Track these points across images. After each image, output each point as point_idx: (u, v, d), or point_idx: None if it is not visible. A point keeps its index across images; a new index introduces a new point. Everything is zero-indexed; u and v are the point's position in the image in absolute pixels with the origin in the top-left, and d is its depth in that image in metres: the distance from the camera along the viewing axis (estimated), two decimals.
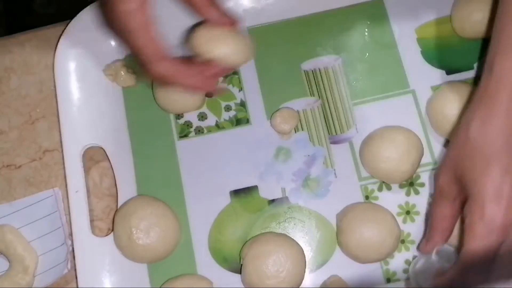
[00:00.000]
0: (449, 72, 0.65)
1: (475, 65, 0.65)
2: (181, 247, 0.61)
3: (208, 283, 0.59)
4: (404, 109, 0.64)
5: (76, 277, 0.60)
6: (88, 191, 0.63)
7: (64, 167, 0.63)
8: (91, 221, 0.62)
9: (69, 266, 0.61)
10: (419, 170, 0.62)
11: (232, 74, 0.64)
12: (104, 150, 0.64)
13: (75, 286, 0.61)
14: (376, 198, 0.62)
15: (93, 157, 0.65)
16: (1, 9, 0.90)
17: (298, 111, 0.65)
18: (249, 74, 0.66)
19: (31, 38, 0.69)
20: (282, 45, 0.66)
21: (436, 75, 0.65)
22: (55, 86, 0.66)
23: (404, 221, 0.61)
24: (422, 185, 0.62)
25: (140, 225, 0.59)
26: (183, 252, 0.61)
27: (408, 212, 0.61)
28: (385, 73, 0.65)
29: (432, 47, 0.66)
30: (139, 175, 0.64)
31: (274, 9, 0.66)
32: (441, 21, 0.67)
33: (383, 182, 0.62)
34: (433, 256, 0.53)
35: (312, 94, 0.65)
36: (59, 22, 0.69)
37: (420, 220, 0.61)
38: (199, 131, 0.65)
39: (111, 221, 0.63)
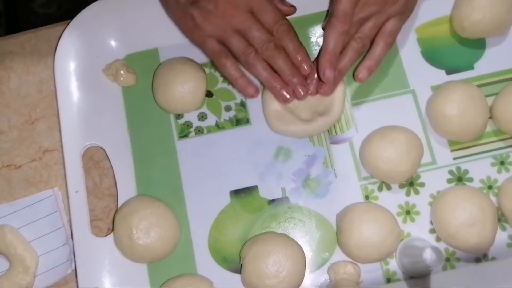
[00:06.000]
0: (449, 72, 0.65)
1: (475, 65, 0.65)
2: (181, 247, 0.61)
3: (208, 283, 0.59)
4: (404, 109, 0.64)
5: (76, 277, 0.60)
6: (88, 191, 0.63)
7: (64, 167, 0.63)
8: (91, 221, 0.62)
9: (73, 266, 0.61)
10: (419, 170, 0.62)
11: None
12: (104, 150, 0.64)
13: (75, 286, 0.61)
14: (376, 198, 0.62)
15: (93, 157, 0.65)
16: (1, 9, 0.90)
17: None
18: (249, 73, 0.66)
19: (31, 38, 0.69)
20: None
21: (436, 75, 0.65)
22: (55, 86, 0.66)
23: (404, 221, 0.61)
24: (422, 185, 0.62)
25: (140, 225, 0.59)
26: (183, 252, 0.61)
27: (408, 212, 0.61)
28: (385, 73, 0.65)
29: (432, 47, 0.66)
30: (139, 175, 0.64)
31: None
32: (441, 21, 0.67)
33: (383, 182, 0.62)
34: (426, 254, 0.53)
35: None
36: (59, 22, 0.69)
37: (420, 220, 0.61)
38: (199, 131, 0.65)
39: (111, 221, 0.63)
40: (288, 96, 0.61)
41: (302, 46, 0.62)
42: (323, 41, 0.60)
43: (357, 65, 0.62)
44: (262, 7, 0.60)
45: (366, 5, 0.59)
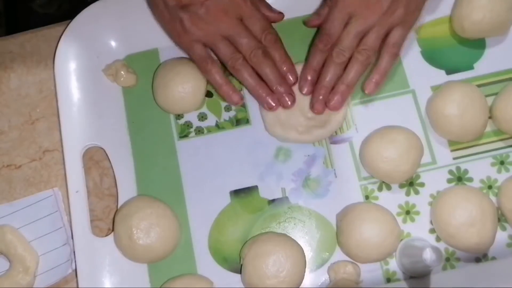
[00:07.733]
0: (449, 72, 0.65)
1: (475, 65, 0.65)
2: (181, 247, 0.61)
3: (208, 283, 0.59)
4: (404, 109, 0.64)
5: (76, 277, 0.60)
6: (88, 191, 0.63)
7: (64, 167, 0.63)
8: (91, 221, 0.62)
9: (73, 266, 0.61)
10: (419, 170, 0.62)
11: (231, 74, 0.64)
12: (104, 150, 0.64)
13: (75, 286, 0.61)
14: (376, 198, 0.62)
15: (93, 157, 0.65)
16: (1, 9, 0.90)
17: None
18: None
19: (31, 38, 0.69)
20: None
21: (436, 75, 0.65)
22: (55, 86, 0.66)
23: (404, 221, 0.61)
24: (422, 185, 0.62)
25: (140, 225, 0.59)
26: (183, 252, 0.61)
27: (408, 212, 0.62)
28: None
29: (432, 47, 0.66)
30: (139, 175, 0.64)
31: None
32: (441, 21, 0.67)
33: (383, 182, 0.62)
34: (426, 254, 0.53)
35: None
36: (59, 22, 0.69)
37: (420, 220, 0.61)
38: (199, 131, 0.65)
39: (111, 221, 0.63)
40: (273, 104, 0.62)
41: (288, 56, 0.63)
42: (306, 58, 0.63)
43: (365, 79, 0.62)
44: (251, 15, 0.61)
45: (360, 19, 0.60)
